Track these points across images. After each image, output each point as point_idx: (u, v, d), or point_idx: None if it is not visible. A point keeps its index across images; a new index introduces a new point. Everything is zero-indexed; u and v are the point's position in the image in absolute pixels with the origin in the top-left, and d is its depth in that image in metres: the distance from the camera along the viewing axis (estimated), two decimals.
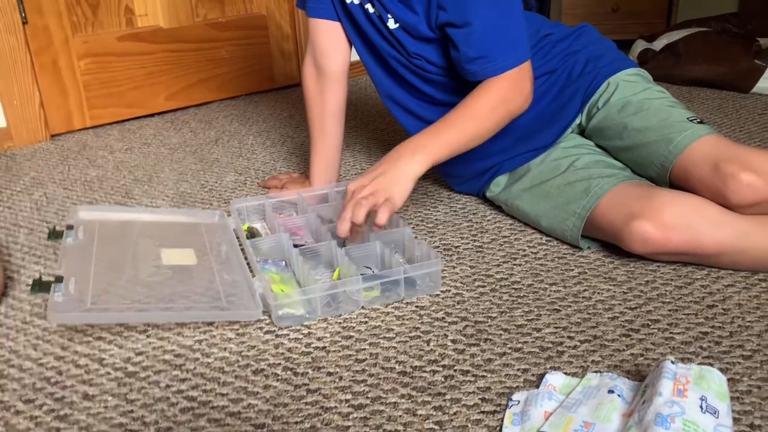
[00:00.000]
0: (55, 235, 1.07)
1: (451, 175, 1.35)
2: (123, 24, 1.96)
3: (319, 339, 0.91)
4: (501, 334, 0.90)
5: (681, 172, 1.08)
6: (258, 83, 2.26)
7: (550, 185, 1.15)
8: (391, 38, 1.18)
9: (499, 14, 1.06)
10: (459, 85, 1.16)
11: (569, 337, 0.89)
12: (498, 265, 1.09)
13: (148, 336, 0.93)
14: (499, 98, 1.07)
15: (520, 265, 1.09)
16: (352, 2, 1.19)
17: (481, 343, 0.89)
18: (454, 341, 0.89)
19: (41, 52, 1.81)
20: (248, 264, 1.07)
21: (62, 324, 0.95)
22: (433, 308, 0.97)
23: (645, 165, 1.14)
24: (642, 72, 1.22)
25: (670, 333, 0.89)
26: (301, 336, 0.92)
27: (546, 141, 1.20)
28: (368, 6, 1.17)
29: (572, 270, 1.06)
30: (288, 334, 0.92)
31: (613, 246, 1.11)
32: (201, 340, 0.92)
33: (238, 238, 1.16)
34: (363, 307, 0.98)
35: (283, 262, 1.08)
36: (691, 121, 1.11)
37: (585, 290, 1.00)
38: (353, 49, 1.29)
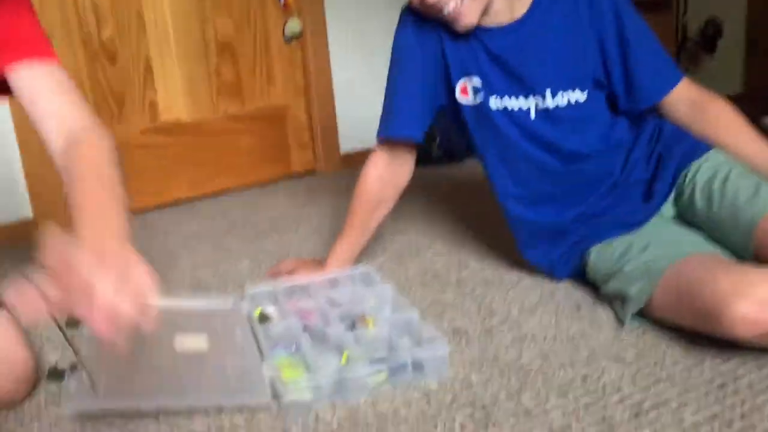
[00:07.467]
0: (72, 324, 1.09)
1: (551, 262, 1.32)
2: (147, 118, 2.06)
3: (327, 425, 0.91)
4: (509, 419, 0.90)
5: (765, 234, 1.05)
6: (274, 170, 2.34)
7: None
8: (532, 128, 1.24)
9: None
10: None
11: (577, 421, 0.88)
12: (506, 348, 1.09)
13: (159, 422, 0.94)
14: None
15: (529, 347, 1.09)
16: (498, 109, 1.24)
17: (489, 428, 0.88)
18: (462, 426, 0.89)
19: None
20: (259, 349, 1.09)
21: (76, 412, 0.96)
22: (441, 392, 0.98)
23: (731, 230, 1.11)
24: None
25: (681, 415, 0.88)
26: (309, 423, 0.92)
27: (638, 218, 1.21)
28: (509, 101, 1.23)
29: (581, 351, 1.06)
30: (296, 421, 0.93)
31: (622, 326, 1.12)
32: (210, 426, 0.92)
33: (250, 323, 1.18)
34: (371, 391, 0.98)
35: (293, 347, 1.10)
36: None
37: (594, 372, 1.00)
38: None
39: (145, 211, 2.06)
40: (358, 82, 2.39)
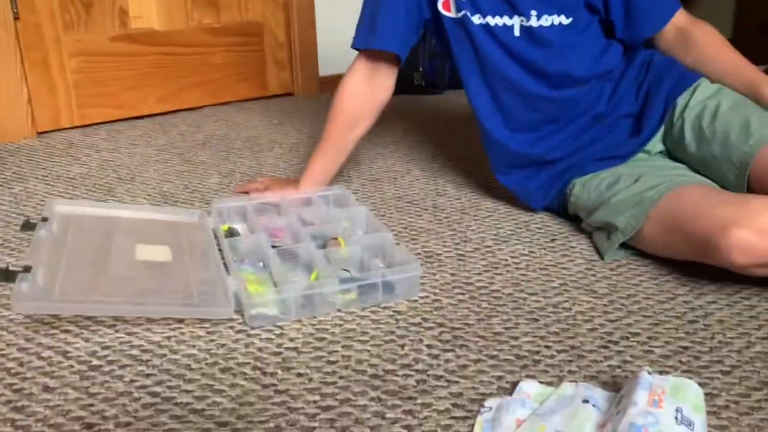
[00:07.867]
0: (27, 226, 1.05)
1: (528, 191, 1.29)
2: (116, 24, 1.95)
3: (291, 340, 0.89)
4: (477, 341, 0.88)
5: (762, 168, 1.03)
6: (250, 90, 2.25)
7: (630, 173, 1.12)
8: (516, 46, 1.18)
9: None
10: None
11: (546, 347, 0.87)
12: (479, 274, 1.07)
13: (116, 330, 0.90)
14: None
15: (501, 274, 1.07)
16: (480, 24, 1.18)
17: (457, 349, 0.87)
18: (429, 346, 0.87)
19: (31, 48, 1.80)
20: (225, 263, 1.05)
21: (26, 313, 0.92)
22: (410, 313, 0.96)
23: (723, 165, 1.09)
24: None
25: (650, 346, 0.87)
26: (273, 336, 0.90)
27: (624, 151, 1.19)
28: (492, 19, 1.17)
29: (553, 281, 1.05)
30: (260, 334, 0.90)
31: (597, 259, 1.10)
32: (170, 336, 0.89)
33: (216, 237, 1.14)
34: (339, 310, 0.96)
35: (261, 263, 1.06)
36: None
37: (565, 301, 0.99)
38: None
39: (112, 123, 1.97)
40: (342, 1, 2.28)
